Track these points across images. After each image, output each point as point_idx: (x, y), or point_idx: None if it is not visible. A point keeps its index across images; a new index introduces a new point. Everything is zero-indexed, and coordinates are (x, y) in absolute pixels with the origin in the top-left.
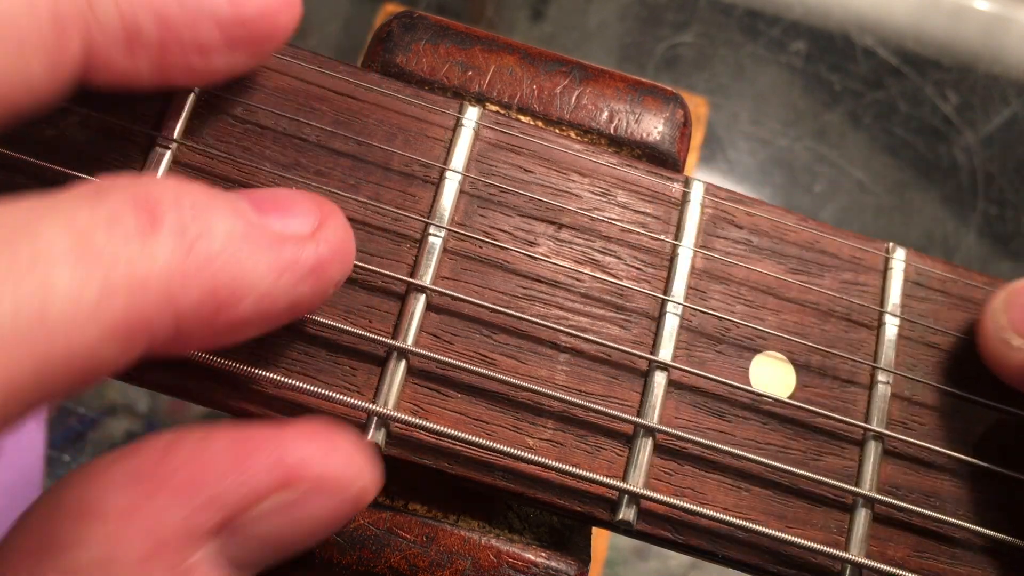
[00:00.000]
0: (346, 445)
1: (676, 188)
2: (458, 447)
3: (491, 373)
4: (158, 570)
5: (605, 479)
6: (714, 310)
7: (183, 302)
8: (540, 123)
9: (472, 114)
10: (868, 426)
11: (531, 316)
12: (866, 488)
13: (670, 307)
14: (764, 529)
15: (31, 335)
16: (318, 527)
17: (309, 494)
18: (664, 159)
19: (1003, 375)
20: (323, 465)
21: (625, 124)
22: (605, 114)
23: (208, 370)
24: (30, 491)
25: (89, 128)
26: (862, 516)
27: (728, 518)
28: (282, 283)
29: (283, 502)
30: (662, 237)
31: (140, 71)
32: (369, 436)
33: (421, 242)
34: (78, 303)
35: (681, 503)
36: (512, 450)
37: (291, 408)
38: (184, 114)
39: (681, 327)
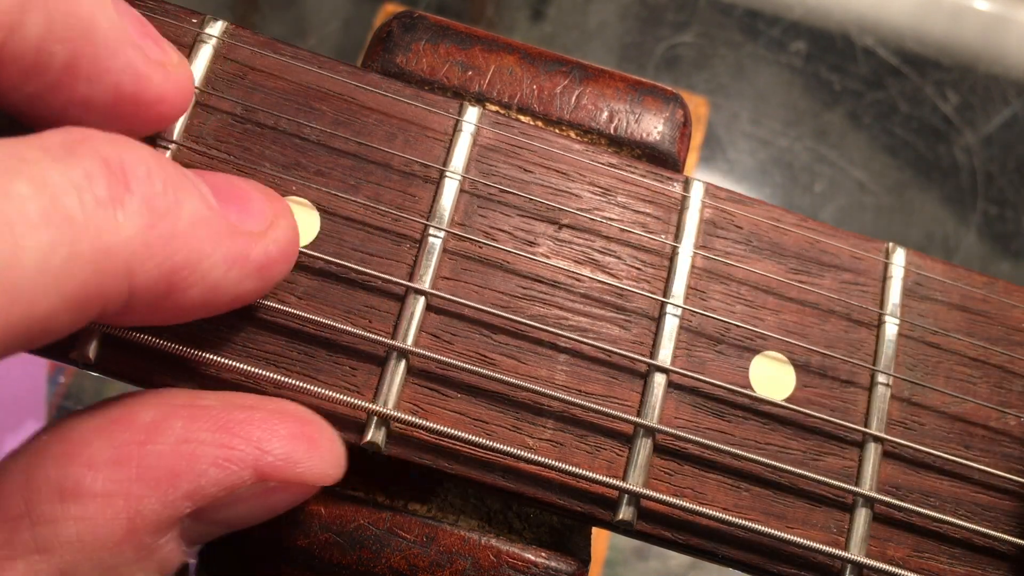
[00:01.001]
0: (326, 443)
1: (676, 188)
2: (458, 447)
3: (491, 373)
4: (129, 551)
5: (605, 479)
6: (714, 310)
7: (140, 278)
8: (540, 123)
9: (472, 114)
10: (867, 430)
11: (531, 316)
12: (866, 488)
13: (670, 307)
14: (764, 529)
15: None
16: (275, 513)
17: (280, 488)
18: (664, 159)
19: None
20: (300, 465)
21: (625, 124)
22: (605, 114)
23: (207, 370)
24: None
25: None
26: (862, 516)
27: (728, 518)
28: (231, 275)
29: (254, 493)
30: (662, 237)
31: (25, 90)
32: (369, 436)
33: (421, 242)
34: (44, 268)
35: (681, 503)
36: (512, 450)
37: None
38: (184, 114)
39: (681, 327)
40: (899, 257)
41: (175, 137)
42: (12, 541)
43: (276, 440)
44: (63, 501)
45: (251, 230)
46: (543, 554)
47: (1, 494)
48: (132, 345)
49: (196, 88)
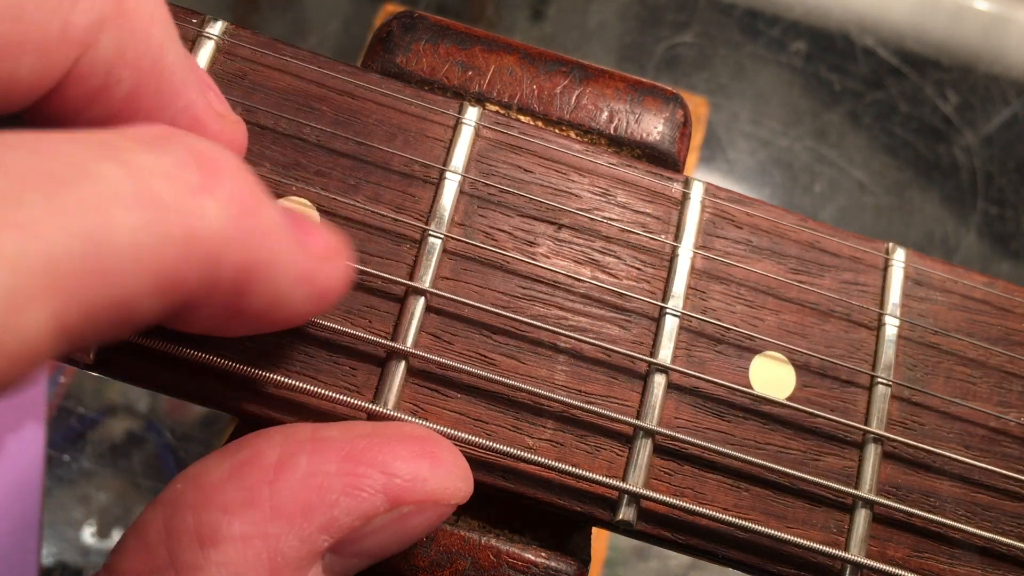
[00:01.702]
0: (447, 458)
1: (676, 188)
2: (458, 447)
3: (491, 375)
4: None
5: (605, 479)
6: (714, 310)
7: (223, 271)
8: (540, 123)
9: (472, 114)
10: (868, 428)
11: (531, 316)
12: (866, 488)
13: (669, 307)
14: (764, 529)
15: (88, 274)
16: (417, 537)
17: (415, 511)
18: (664, 159)
19: None
20: (429, 482)
21: (625, 124)
22: (605, 114)
23: (208, 370)
24: (30, 491)
25: None
26: (862, 516)
27: (728, 518)
28: (297, 292)
29: (390, 520)
30: (662, 237)
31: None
32: None
33: (421, 242)
34: (136, 249)
35: (681, 503)
36: (512, 450)
37: (291, 408)
38: None
39: (681, 327)
40: (899, 257)
41: None
42: None
43: (400, 461)
44: (203, 548)
45: (316, 252)
46: (543, 554)
47: (145, 545)
48: (132, 346)
49: None
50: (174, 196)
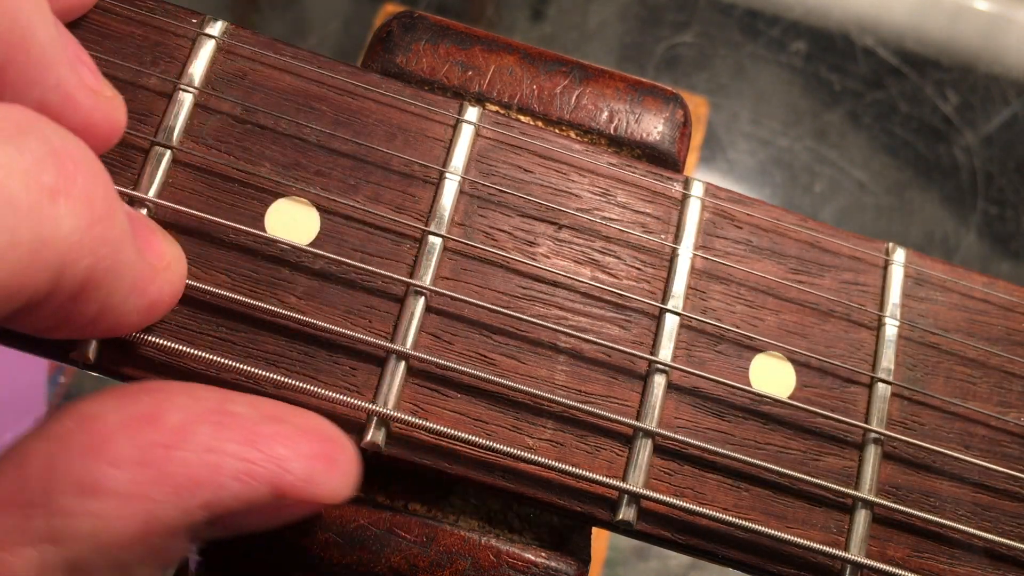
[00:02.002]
0: (343, 464)
1: (676, 188)
2: (458, 447)
3: (490, 375)
4: (139, 549)
5: (605, 479)
6: (714, 310)
7: (66, 278)
8: (540, 123)
9: (472, 114)
10: (868, 427)
11: (531, 316)
12: (866, 488)
13: (669, 307)
14: (764, 529)
15: None
16: (285, 523)
17: (294, 504)
18: (664, 159)
19: None
20: (319, 486)
21: (625, 124)
22: (605, 114)
23: (208, 371)
24: None
25: None
26: (862, 516)
27: (728, 518)
28: (128, 302)
29: (270, 506)
30: (662, 237)
31: None
32: (369, 436)
33: (421, 242)
34: None
35: (681, 503)
36: (512, 450)
37: None
38: (184, 115)
39: (681, 326)
40: (899, 257)
41: (175, 137)
42: (26, 527)
43: (298, 460)
44: (82, 496)
45: (152, 264)
46: (543, 554)
47: (22, 475)
48: (132, 345)
49: (195, 88)
50: (28, 200)
